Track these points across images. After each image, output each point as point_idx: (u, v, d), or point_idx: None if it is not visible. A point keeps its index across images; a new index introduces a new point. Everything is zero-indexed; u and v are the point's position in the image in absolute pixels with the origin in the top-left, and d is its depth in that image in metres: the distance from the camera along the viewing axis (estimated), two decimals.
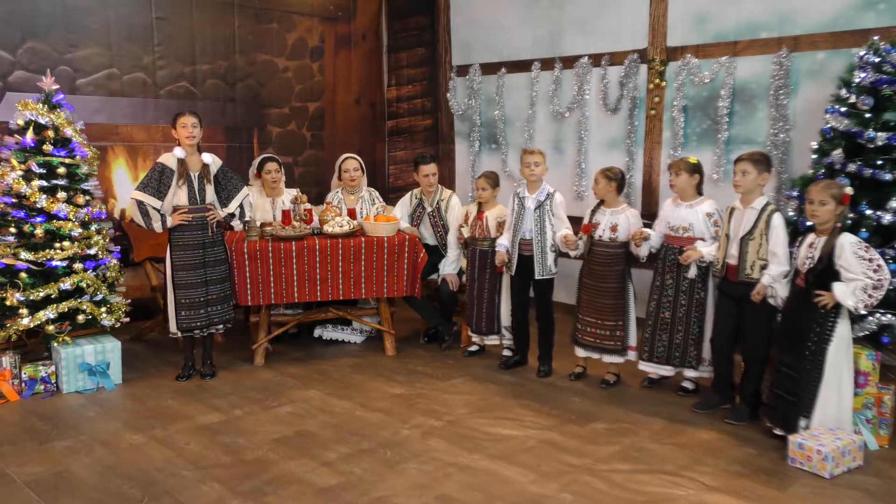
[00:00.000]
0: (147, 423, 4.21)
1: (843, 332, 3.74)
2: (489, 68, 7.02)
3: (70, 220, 4.71)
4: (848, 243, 3.66)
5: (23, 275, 4.57)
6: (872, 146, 4.16)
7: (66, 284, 4.66)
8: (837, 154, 4.26)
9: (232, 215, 4.90)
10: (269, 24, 6.87)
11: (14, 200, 4.66)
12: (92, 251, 4.82)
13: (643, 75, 5.97)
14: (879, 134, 4.13)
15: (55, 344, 4.74)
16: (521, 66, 6.76)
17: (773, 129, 5.25)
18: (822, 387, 3.74)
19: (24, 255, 4.58)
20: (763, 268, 4.04)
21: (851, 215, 4.14)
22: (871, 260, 3.62)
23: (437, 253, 5.70)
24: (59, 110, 4.80)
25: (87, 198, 4.89)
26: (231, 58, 6.64)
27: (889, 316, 4.02)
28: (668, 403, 4.50)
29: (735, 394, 4.34)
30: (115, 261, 5.03)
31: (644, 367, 4.66)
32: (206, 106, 6.44)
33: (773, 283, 3.99)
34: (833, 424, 3.75)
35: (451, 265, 5.56)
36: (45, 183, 4.70)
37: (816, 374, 3.74)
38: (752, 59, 5.36)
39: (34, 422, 4.23)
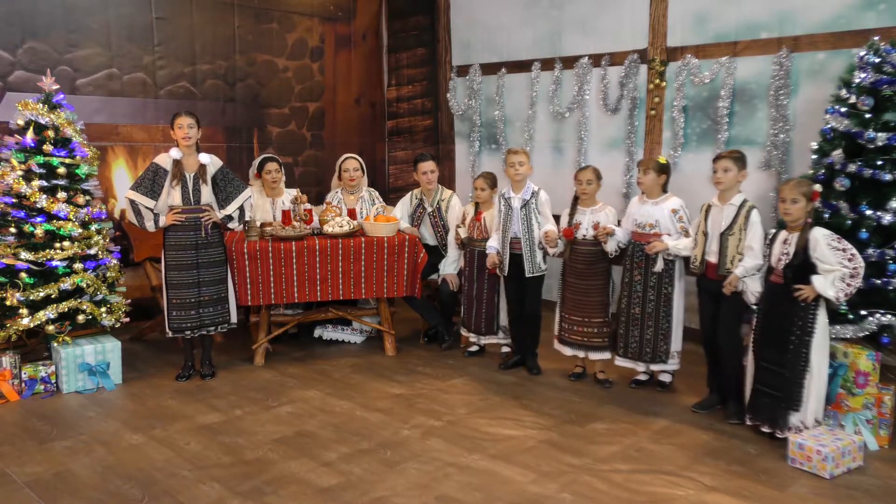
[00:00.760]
0: (147, 423, 4.21)
1: (822, 324, 3.82)
2: (489, 68, 7.02)
3: (70, 220, 4.71)
4: (821, 236, 3.75)
5: (23, 275, 4.57)
6: (872, 146, 4.16)
7: (66, 284, 4.66)
8: (837, 154, 4.26)
9: (230, 217, 4.85)
10: (269, 24, 6.87)
11: (14, 200, 4.66)
12: (92, 251, 4.82)
13: (643, 75, 5.97)
14: (879, 134, 4.13)
15: (55, 344, 4.74)
16: (521, 66, 6.76)
17: (773, 130, 5.25)
18: (811, 378, 3.79)
19: (24, 255, 4.58)
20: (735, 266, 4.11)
21: (852, 215, 4.15)
22: (844, 250, 3.71)
23: (437, 253, 5.70)
24: (59, 110, 4.80)
25: (87, 198, 4.89)
26: (231, 58, 6.64)
27: (889, 316, 4.03)
28: (668, 403, 4.50)
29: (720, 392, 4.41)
30: (115, 261, 5.03)
31: (620, 362, 4.73)
32: (206, 106, 6.44)
33: (746, 274, 4.04)
34: (821, 414, 3.83)
35: (451, 265, 5.56)
36: (45, 183, 4.70)
37: (801, 367, 3.80)
38: (752, 60, 5.36)
39: (34, 422, 4.23)
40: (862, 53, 4.32)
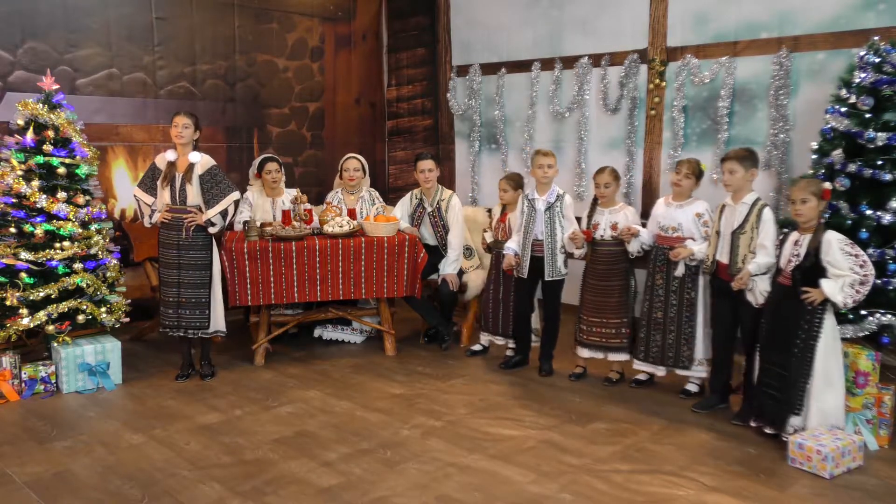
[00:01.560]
0: (147, 423, 4.21)
1: (830, 327, 3.78)
2: (489, 68, 7.02)
3: (70, 220, 4.71)
4: (835, 240, 3.71)
5: (23, 275, 4.57)
6: (872, 146, 4.16)
7: (66, 284, 4.66)
8: (837, 154, 4.26)
9: (211, 222, 4.73)
10: (269, 24, 6.87)
11: (14, 200, 4.66)
12: (92, 251, 4.82)
13: (643, 75, 5.97)
14: (879, 134, 4.13)
15: (55, 344, 4.74)
16: (521, 66, 6.76)
17: (773, 129, 5.25)
18: (814, 384, 3.76)
19: (24, 255, 4.58)
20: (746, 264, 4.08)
21: (852, 215, 4.15)
22: (857, 256, 3.68)
23: (437, 253, 5.69)
24: (59, 110, 4.80)
25: (87, 198, 4.89)
26: (231, 58, 6.64)
27: (889, 316, 4.02)
28: (668, 403, 4.50)
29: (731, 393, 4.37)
30: (115, 261, 5.03)
31: (639, 366, 4.68)
32: (206, 106, 6.44)
33: (758, 272, 4.01)
34: (827, 419, 3.77)
35: (451, 265, 5.55)
36: (45, 183, 4.70)
37: (805, 370, 3.77)
38: (752, 60, 5.36)
39: (34, 422, 4.23)
40: (862, 53, 4.32)
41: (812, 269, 3.73)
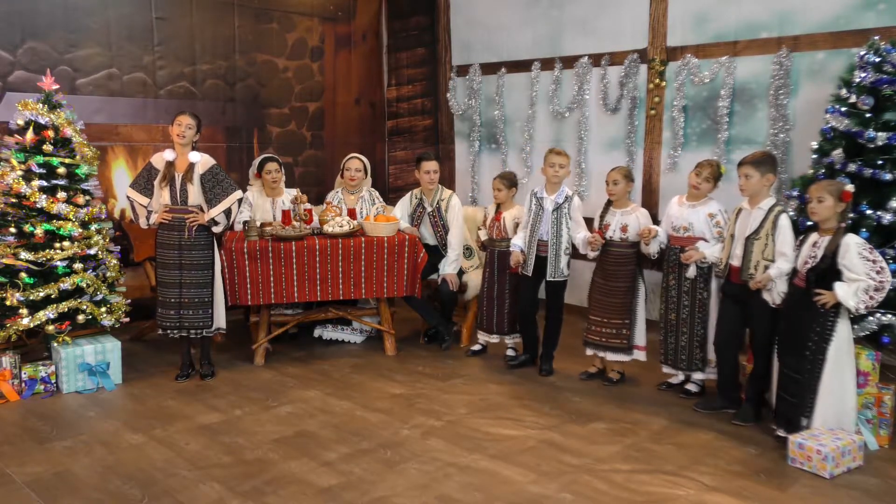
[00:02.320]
0: (147, 423, 4.21)
1: (843, 331, 3.73)
2: (489, 68, 7.02)
3: (70, 220, 4.71)
4: (854, 243, 3.65)
5: (23, 275, 4.57)
6: (872, 146, 4.16)
7: (66, 284, 4.66)
8: (837, 154, 4.26)
9: (214, 221, 4.75)
10: (269, 24, 6.87)
11: (14, 200, 4.66)
12: (92, 251, 4.82)
13: (643, 75, 5.97)
14: (879, 134, 4.12)
15: (55, 344, 4.74)
16: (521, 66, 6.76)
17: (773, 129, 5.25)
18: (823, 387, 3.73)
19: (24, 255, 4.58)
20: (767, 269, 4.00)
21: (851, 215, 4.14)
22: (874, 261, 3.62)
23: (437, 253, 5.69)
24: (59, 110, 4.80)
25: (87, 198, 4.89)
26: (231, 58, 6.64)
27: (889, 316, 4.02)
28: (668, 403, 4.50)
29: (740, 396, 4.33)
30: (115, 261, 5.03)
31: (667, 370, 4.64)
32: (206, 106, 6.44)
33: (780, 277, 3.95)
34: (835, 424, 3.75)
35: (451, 265, 5.55)
36: (45, 183, 4.70)
37: (817, 373, 3.74)
38: (752, 59, 5.35)
39: (34, 422, 4.23)
40: (862, 53, 4.32)
41: (827, 271, 3.69)
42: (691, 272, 4.40)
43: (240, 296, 5.05)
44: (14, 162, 4.64)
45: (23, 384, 4.62)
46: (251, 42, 6.75)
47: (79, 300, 4.76)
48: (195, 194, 4.73)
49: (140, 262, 5.70)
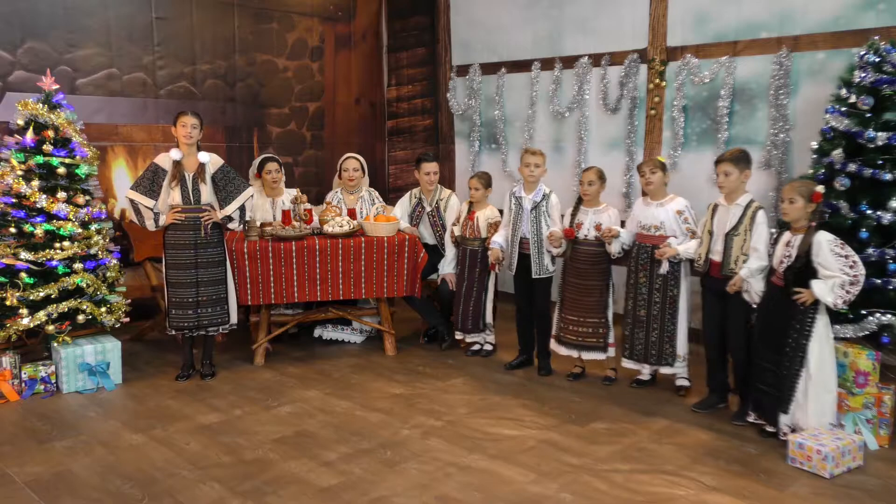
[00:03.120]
0: (147, 423, 4.21)
1: (822, 327, 3.80)
2: (489, 68, 7.02)
3: (70, 220, 4.71)
4: (825, 241, 3.71)
5: (23, 275, 4.57)
6: (872, 146, 4.16)
7: (66, 284, 4.66)
8: (837, 154, 4.26)
9: (230, 218, 4.82)
10: (269, 24, 6.87)
11: (14, 200, 4.66)
12: (92, 251, 4.82)
13: (643, 75, 5.97)
14: (879, 134, 4.12)
15: (55, 344, 4.74)
16: (521, 66, 6.76)
17: (773, 129, 5.25)
18: (810, 384, 3.78)
19: (24, 255, 4.58)
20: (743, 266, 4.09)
21: (852, 215, 4.15)
22: (847, 256, 3.68)
23: (436, 252, 5.70)
24: (59, 110, 4.80)
25: (87, 198, 4.89)
26: (231, 58, 6.64)
27: (889, 316, 4.02)
28: (668, 403, 4.50)
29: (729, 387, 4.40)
30: (115, 261, 5.03)
31: (627, 364, 4.72)
32: (206, 106, 6.44)
33: (751, 276, 4.02)
34: (824, 420, 3.80)
35: (450, 265, 5.55)
36: (45, 183, 4.70)
37: (796, 369, 3.80)
38: (752, 59, 5.36)
39: (34, 422, 4.23)
40: (862, 53, 4.32)
41: (803, 269, 3.75)
42: (663, 269, 4.48)
43: (240, 296, 5.05)
44: (14, 162, 4.64)
45: (23, 384, 4.62)
46: (251, 42, 6.76)
47: (79, 300, 4.76)
48: (208, 193, 4.75)
49: (140, 262, 5.70)
